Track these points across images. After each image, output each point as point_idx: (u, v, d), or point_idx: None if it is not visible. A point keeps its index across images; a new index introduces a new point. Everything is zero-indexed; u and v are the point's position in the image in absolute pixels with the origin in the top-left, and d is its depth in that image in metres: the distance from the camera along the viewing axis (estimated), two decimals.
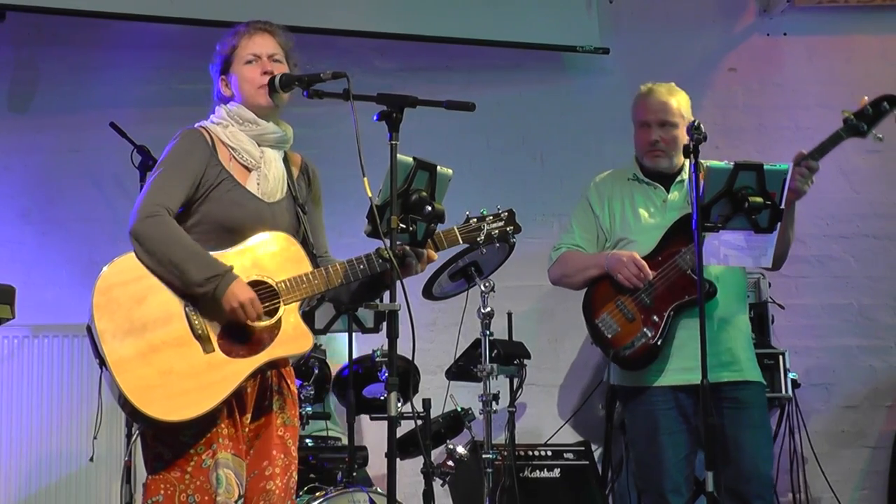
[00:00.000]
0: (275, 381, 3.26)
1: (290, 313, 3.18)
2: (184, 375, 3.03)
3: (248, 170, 3.29)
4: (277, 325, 3.16)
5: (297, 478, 3.33)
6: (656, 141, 4.35)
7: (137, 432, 3.17)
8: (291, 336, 3.18)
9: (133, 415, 3.06)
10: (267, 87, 3.30)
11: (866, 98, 4.20)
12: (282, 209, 3.30)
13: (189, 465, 3.06)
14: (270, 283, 3.18)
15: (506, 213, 3.51)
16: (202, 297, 3.08)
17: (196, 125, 3.32)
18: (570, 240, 4.48)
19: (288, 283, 3.19)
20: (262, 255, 3.20)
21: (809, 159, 4.11)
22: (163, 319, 3.07)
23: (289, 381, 3.32)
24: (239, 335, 3.13)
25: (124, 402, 3.02)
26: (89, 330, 3.07)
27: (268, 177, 3.29)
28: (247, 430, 3.18)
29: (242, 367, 3.11)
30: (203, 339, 3.08)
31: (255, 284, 3.15)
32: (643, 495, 4.34)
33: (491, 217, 3.49)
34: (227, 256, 3.15)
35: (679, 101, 4.39)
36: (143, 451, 3.17)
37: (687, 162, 4.20)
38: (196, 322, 3.08)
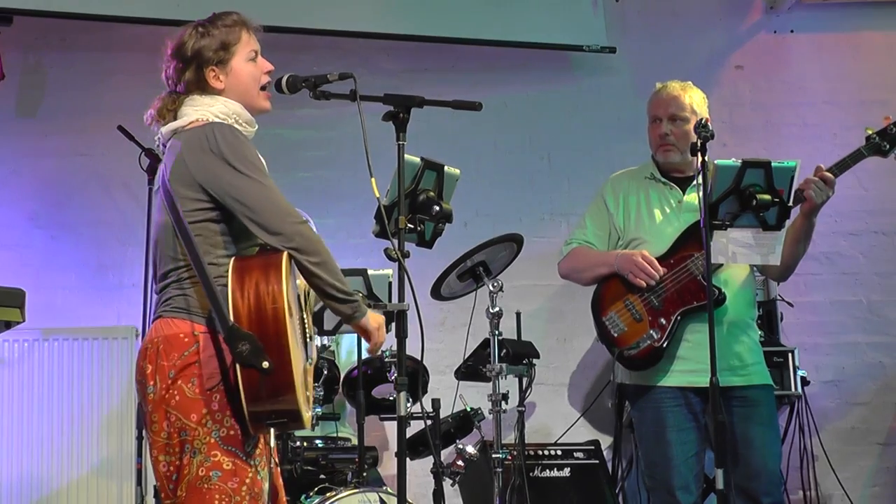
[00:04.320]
0: None
1: (308, 318, 3.21)
2: (302, 381, 2.99)
3: None
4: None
5: None
6: (666, 134, 4.36)
7: (203, 433, 2.96)
8: (311, 341, 3.21)
9: (279, 422, 2.94)
10: (266, 90, 3.24)
11: (890, 117, 4.19)
12: None
13: (247, 477, 2.97)
14: (300, 290, 3.18)
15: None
16: (335, 310, 3.05)
17: (206, 121, 3.11)
18: (583, 235, 4.48)
19: (307, 289, 3.20)
20: None
21: (828, 173, 4.12)
22: (296, 326, 3.02)
23: None
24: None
25: (285, 408, 2.89)
26: (256, 329, 2.85)
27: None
28: None
29: (309, 371, 3.13)
30: (305, 345, 3.08)
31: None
32: (652, 494, 4.34)
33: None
34: None
35: (692, 97, 4.38)
36: (190, 459, 2.98)
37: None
38: (308, 328, 3.09)
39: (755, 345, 4.31)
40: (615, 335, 4.28)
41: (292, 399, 2.88)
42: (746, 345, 4.25)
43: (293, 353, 2.86)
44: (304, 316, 3.19)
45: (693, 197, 4.32)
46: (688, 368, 4.18)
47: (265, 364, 2.82)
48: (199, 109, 3.13)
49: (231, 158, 2.99)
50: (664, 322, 4.19)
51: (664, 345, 4.18)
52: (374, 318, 3.11)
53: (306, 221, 3.03)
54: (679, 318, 4.19)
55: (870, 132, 4.22)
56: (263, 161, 3.19)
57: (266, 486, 3.02)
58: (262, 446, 3.03)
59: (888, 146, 4.21)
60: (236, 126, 3.12)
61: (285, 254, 2.95)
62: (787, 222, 4.00)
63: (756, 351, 4.30)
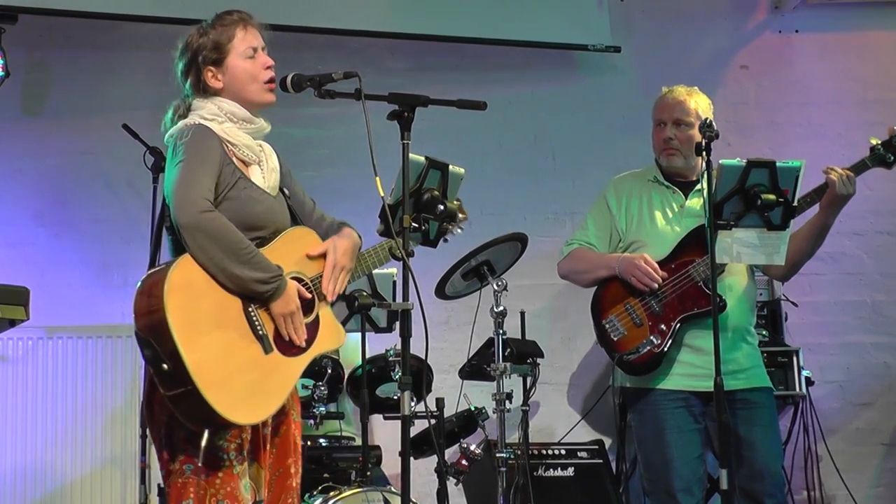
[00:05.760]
0: None
1: (324, 308, 3.20)
2: (253, 378, 3.00)
3: (246, 164, 3.22)
4: (317, 321, 3.17)
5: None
6: (670, 139, 4.34)
7: (208, 434, 3.01)
8: (330, 331, 3.21)
9: (206, 421, 2.95)
10: (273, 83, 3.25)
11: (894, 128, 4.18)
12: (280, 201, 3.27)
13: (221, 471, 3.01)
14: (305, 279, 3.18)
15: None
16: (259, 296, 3.03)
17: (191, 123, 3.16)
18: (584, 237, 4.47)
19: (320, 279, 3.21)
20: (296, 252, 3.18)
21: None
22: (227, 320, 3.00)
23: None
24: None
25: (199, 407, 2.90)
26: (149, 335, 2.91)
27: (272, 170, 3.26)
28: (268, 429, 3.16)
29: (297, 365, 3.12)
30: (263, 339, 3.04)
31: (294, 280, 3.15)
32: (651, 498, 4.28)
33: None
34: (272, 253, 3.10)
35: (697, 103, 4.36)
36: (170, 453, 3.07)
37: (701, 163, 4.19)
38: (257, 322, 3.04)
39: (754, 350, 4.30)
40: (615, 339, 4.25)
41: (199, 401, 2.89)
42: (745, 350, 4.24)
43: (189, 357, 2.86)
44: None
45: (695, 202, 4.31)
46: (688, 373, 4.17)
47: (164, 366, 2.88)
48: (191, 115, 3.21)
49: (172, 160, 3.07)
50: (664, 328, 4.18)
51: (664, 350, 4.17)
52: (279, 305, 3.07)
53: (209, 209, 2.99)
54: (679, 324, 4.17)
55: (875, 142, 4.20)
56: (272, 155, 3.26)
57: (245, 482, 3.04)
58: (241, 441, 3.04)
59: (893, 158, 4.19)
60: (226, 125, 3.17)
61: (184, 256, 2.99)
62: (792, 222, 4.00)
63: (754, 356, 4.29)
